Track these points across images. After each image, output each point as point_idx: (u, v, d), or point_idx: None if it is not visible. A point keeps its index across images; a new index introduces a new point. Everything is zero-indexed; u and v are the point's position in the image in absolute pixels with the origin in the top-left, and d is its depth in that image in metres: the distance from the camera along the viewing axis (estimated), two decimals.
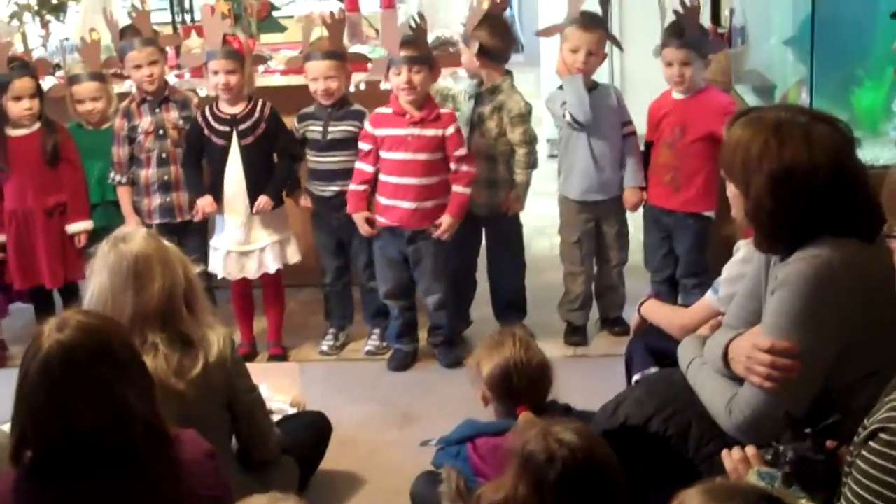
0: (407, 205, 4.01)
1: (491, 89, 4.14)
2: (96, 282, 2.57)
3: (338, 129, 4.14)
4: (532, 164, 4.17)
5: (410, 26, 4.07)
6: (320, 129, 4.15)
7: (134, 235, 2.60)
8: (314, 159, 4.20)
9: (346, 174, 4.11)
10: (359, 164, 4.08)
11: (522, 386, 2.66)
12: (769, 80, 5.01)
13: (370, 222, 4.09)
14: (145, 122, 4.26)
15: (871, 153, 4.00)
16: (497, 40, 4.11)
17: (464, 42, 4.21)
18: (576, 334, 4.31)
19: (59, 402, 2.00)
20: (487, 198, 4.17)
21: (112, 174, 4.33)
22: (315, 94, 4.12)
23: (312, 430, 3.23)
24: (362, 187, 4.09)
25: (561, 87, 4.13)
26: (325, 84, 4.08)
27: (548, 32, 4.39)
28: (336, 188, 4.15)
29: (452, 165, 3.99)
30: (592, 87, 4.11)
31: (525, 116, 4.11)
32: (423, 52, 3.98)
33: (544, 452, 2.05)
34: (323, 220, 4.28)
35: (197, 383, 2.56)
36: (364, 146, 4.06)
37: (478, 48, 4.08)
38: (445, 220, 4.02)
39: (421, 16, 4.10)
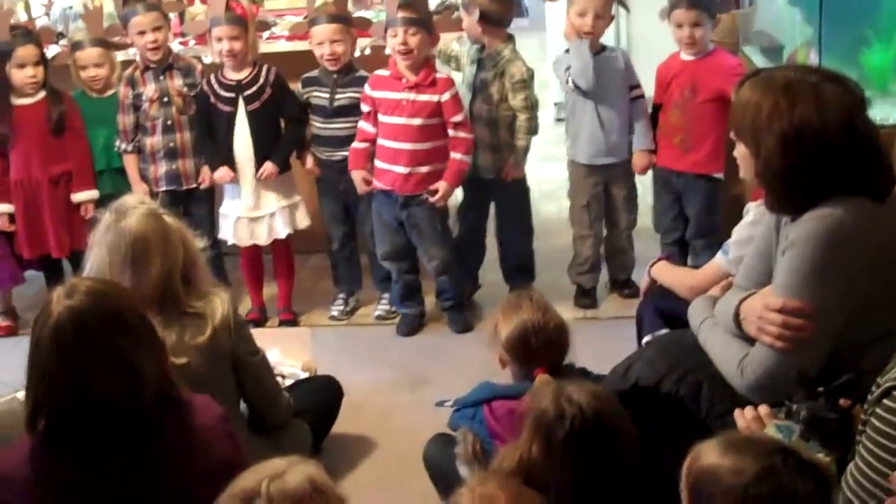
0: (400, 169, 3.99)
1: (493, 55, 4.11)
2: (96, 255, 2.57)
3: (344, 96, 4.12)
4: (533, 129, 4.15)
5: None
6: (327, 96, 4.13)
7: (135, 211, 2.58)
8: (320, 126, 4.18)
9: (353, 140, 4.09)
10: (361, 124, 4.06)
11: (540, 348, 2.64)
12: (777, 41, 4.97)
13: (367, 182, 4.07)
14: (150, 89, 4.24)
15: (881, 112, 3.98)
16: (497, 5, 4.08)
17: (464, 8, 4.18)
18: (585, 297, 4.31)
19: (71, 368, 2.00)
20: (493, 162, 4.16)
21: (118, 142, 4.32)
22: (321, 59, 4.10)
23: (324, 394, 3.24)
24: (363, 145, 4.07)
25: (568, 51, 4.11)
26: (331, 48, 4.05)
27: None
28: (343, 154, 4.13)
29: (450, 131, 3.97)
30: (600, 49, 4.09)
31: (527, 82, 4.09)
32: (422, 16, 3.94)
33: (555, 410, 2.06)
34: (328, 185, 4.27)
35: (204, 350, 2.58)
36: (364, 108, 4.04)
37: (478, 14, 4.05)
38: (442, 186, 4.00)
39: None
